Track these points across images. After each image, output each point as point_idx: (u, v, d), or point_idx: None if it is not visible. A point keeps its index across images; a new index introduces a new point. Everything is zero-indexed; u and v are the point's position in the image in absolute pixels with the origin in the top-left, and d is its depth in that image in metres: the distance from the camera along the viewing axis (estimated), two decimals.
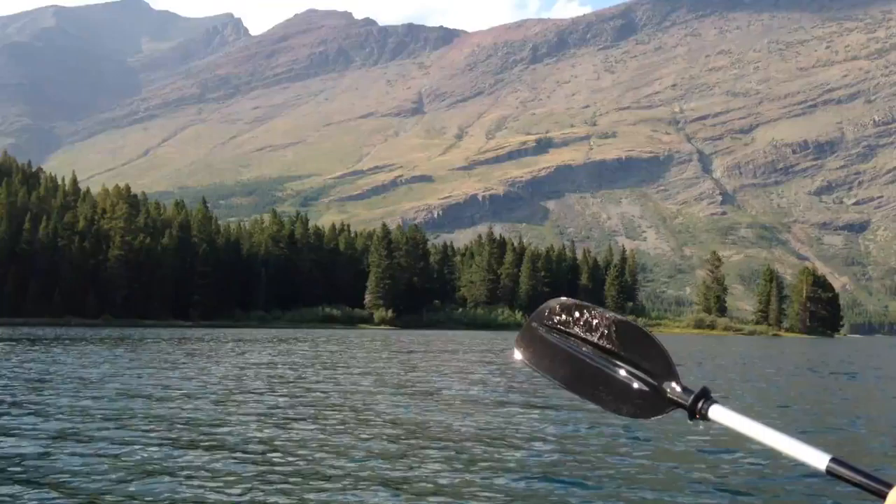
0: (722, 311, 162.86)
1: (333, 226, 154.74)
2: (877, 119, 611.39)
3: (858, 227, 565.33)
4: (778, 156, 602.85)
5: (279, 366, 25.94)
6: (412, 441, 10.50)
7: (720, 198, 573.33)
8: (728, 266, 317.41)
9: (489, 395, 17.17)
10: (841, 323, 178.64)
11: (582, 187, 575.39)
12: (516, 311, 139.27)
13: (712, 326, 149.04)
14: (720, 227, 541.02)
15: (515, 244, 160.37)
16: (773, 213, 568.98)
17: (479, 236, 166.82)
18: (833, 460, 1.45)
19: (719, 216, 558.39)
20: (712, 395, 1.50)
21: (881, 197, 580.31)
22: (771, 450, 1.43)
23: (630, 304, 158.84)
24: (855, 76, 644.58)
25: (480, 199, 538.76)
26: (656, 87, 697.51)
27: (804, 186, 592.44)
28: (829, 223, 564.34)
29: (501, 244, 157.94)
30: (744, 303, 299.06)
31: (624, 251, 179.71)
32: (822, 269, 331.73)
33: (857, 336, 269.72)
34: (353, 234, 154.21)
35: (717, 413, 1.60)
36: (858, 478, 1.43)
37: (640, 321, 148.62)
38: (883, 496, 1.33)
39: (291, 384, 18.47)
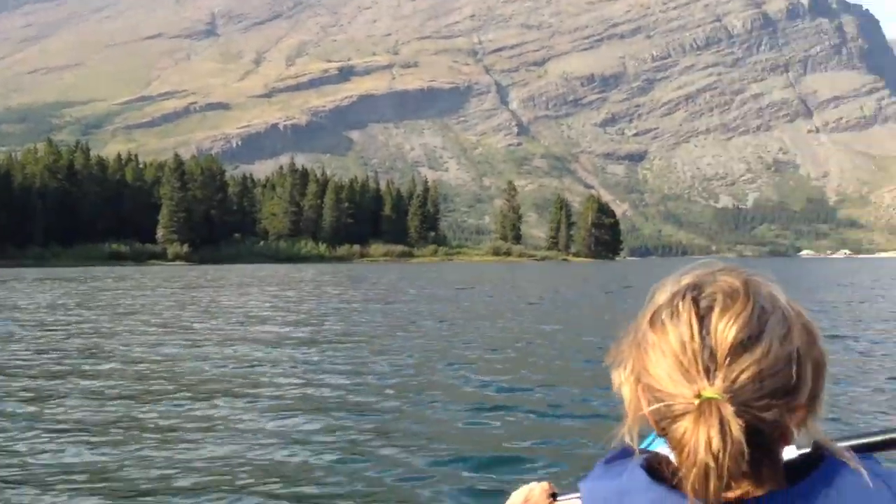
0: (518, 238, 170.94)
1: (119, 156, 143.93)
2: (655, 54, 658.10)
3: (637, 157, 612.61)
4: (568, 88, 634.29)
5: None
6: (145, 384, 10.03)
7: (516, 129, 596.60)
8: (523, 195, 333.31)
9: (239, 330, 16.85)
10: (621, 247, 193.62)
11: (385, 117, 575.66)
12: (320, 244, 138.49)
13: (509, 253, 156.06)
14: (516, 158, 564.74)
15: (318, 175, 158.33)
16: (564, 143, 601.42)
17: (281, 167, 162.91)
18: None
19: (516, 147, 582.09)
20: None
21: (657, 129, 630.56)
22: None
23: (432, 233, 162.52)
24: (637, 12, 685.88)
25: (282, 128, 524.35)
26: (456, 16, 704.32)
27: (591, 118, 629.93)
28: (612, 153, 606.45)
29: (304, 175, 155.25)
30: (537, 230, 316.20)
31: (426, 182, 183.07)
32: (606, 196, 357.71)
33: (635, 258, 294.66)
34: (142, 165, 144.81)
35: None
36: None
37: (442, 250, 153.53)
38: None
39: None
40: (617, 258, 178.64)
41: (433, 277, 54.96)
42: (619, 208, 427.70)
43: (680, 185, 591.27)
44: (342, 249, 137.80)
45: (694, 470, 0.84)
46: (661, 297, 0.94)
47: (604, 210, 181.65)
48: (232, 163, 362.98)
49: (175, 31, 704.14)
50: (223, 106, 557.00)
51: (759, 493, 0.87)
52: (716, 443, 0.82)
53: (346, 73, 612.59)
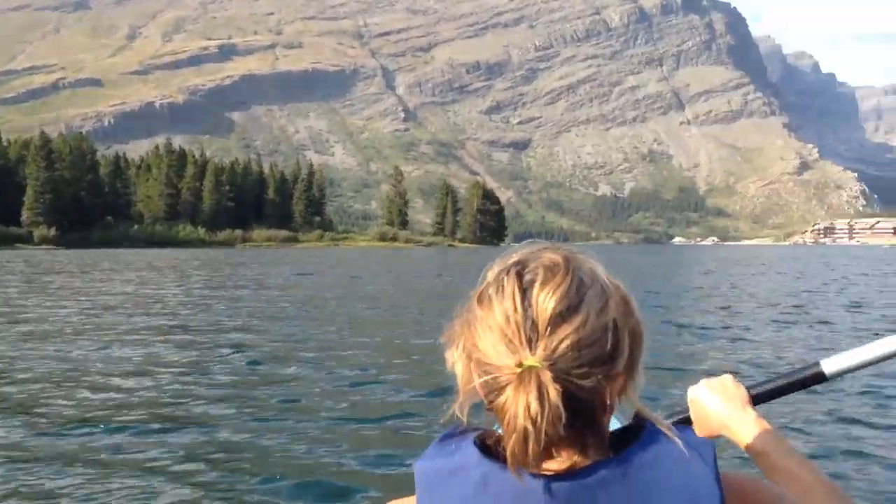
0: (404, 224, 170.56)
1: None
2: (537, 44, 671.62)
3: (521, 145, 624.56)
4: (454, 75, 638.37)
5: None
6: None
7: (403, 114, 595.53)
8: (410, 181, 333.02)
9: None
10: (505, 233, 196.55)
11: (269, 99, 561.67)
12: (199, 228, 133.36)
13: (395, 239, 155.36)
14: (403, 143, 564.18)
15: (197, 156, 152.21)
16: (450, 130, 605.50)
17: (157, 147, 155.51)
18: None
19: (402, 132, 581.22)
20: None
21: (540, 117, 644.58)
22: None
23: (318, 218, 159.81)
24: (520, 1, 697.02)
25: (158, 107, 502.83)
26: None
27: (476, 105, 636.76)
28: (497, 141, 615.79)
29: (182, 156, 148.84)
30: (424, 216, 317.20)
31: (311, 166, 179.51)
32: (491, 183, 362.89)
33: (518, 244, 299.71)
34: (6, 143, 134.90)
35: None
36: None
37: (327, 236, 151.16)
38: None
39: None
40: (502, 244, 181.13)
41: (293, 263, 53.33)
42: (504, 195, 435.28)
43: (562, 174, 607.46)
44: (223, 234, 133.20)
45: (514, 436, 0.86)
46: (490, 275, 0.97)
47: (489, 196, 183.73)
48: (104, 142, 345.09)
49: (42, 2, 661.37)
50: (95, 82, 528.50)
51: (585, 463, 0.90)
52: (534, 408, 0.85)
53: (226, 52, 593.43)
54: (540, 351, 0.87)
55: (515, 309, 0.90)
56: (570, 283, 0.91)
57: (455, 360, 0.97)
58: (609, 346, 0.90)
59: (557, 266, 0.93)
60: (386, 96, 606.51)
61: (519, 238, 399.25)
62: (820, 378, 1.38)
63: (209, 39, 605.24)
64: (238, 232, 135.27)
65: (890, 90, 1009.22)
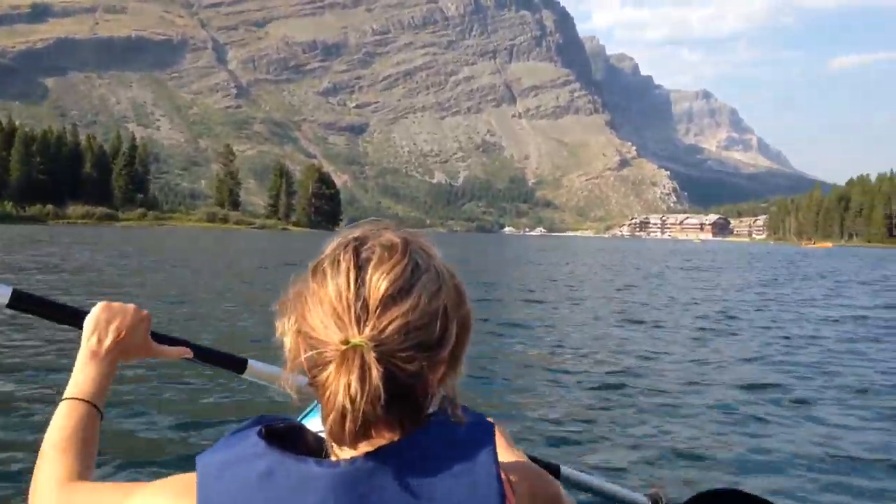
0: (235, 205, 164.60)
1: None
2: (375, 28, 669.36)
3: (358, 129, 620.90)
4: (290, 53, 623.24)
5: None
6: None
7: (235, 90, 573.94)
8: (242, 160, 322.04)
9: None
10: (340, 218, 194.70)
11: (88, 65, 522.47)
12: (6, 202, 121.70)
13: (225, 220, 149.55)
14: (235, 121, 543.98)
15: (4, 124, 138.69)
16: (286, 109, 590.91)
17: None
18: (15, 294, 1.41)
19: (234, 109, 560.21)
20: None
21: (378, 102, 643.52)
22: None
23: (140, 196, 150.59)
24: None
25: None
26: None
27: (313, 86, 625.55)
28: (334, 123, 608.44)
29: None
30: (257, 197, 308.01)
31: (134, 139, 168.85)
32: (327, 166, 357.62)
33: (363, 221, 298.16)
34: None
35: None
36: (47, 308, 1.44)
37: (151, 214, 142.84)
38: (77, 325, 1.33)
39: None
40: (336, 229, 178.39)
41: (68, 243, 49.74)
42: (340, 179, 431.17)
43: (398, 160, 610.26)
44: (33, 209, 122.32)
45: (333, 414, 0.86)
46: (329, 248, 0.96)
47: (325, 180, 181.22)
48: None
49: None
50: None
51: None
52: (354, 386, 0.84)
53: (40, 13, 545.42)
54: (367, 330, 0.86)
55: (348, 286, 0.89)
56: (405, 265, 0.91)
57: (285, 331, 0.96)
58: (437, 333, 0.91)
59: (395, 247, 0.92)
60: (217, 70, 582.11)
61: (354, 223, 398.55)
62: (553, 474, 1.55)
63: None
64: (50, 207, 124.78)
65: (700, 95, 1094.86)
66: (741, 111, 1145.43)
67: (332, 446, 0.91)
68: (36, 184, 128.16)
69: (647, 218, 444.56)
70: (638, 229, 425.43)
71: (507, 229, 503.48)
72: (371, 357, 0.85)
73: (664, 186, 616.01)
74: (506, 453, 1.22)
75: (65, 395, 1.21)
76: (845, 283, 31.97)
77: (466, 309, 0.98)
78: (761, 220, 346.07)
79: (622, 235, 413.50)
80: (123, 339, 1.27)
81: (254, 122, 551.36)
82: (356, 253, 0.91)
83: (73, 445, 1.14)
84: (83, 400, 1.20)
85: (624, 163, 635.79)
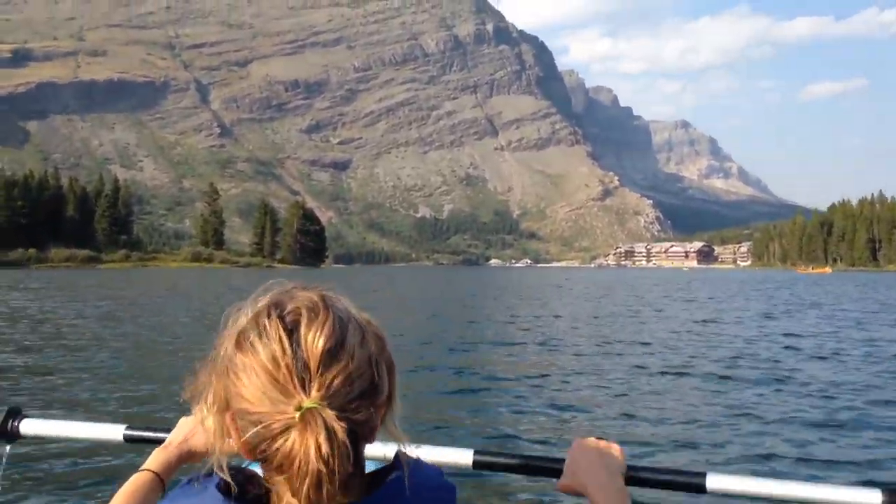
0: (220, 244, 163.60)
1: None
2: (357, 65, 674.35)
3: (342, 166, 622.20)
4: (272, 92, 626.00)
5: None
6: None
7: (218, 130, 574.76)
8: (226, 199, 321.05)
9: None
10: (326, 254, 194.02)
11: (69, 108, 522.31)
12: None
13: (210, 259, 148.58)
14: (219, 160, 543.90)
15: None
16: (269, 148, 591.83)
17: None
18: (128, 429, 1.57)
19: (218, 149, 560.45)
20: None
21: (361, 138, 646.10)
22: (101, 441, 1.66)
23: (124, 237, 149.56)
24: (338, 22, 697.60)
25: None
26: (150, 6, 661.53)
27: (296, 124, 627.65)
28: (318, 160, 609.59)
29: None
30: (242, 235, 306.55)
31: (117, 180, 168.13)
32: (312, 203, 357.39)
33: (341, 266, 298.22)
34: None
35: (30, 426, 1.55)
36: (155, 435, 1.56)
37: (135, 256, 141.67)
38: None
39: None
40: (322, 265, 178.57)
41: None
42: (325, 215, 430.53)
43: (382, 195, 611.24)
44: (14, 254, 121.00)
45: (307, 480, 0.85)
46: (243, 319, 0.93)
47: (309, 217, 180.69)
48: None
49: None
50: None
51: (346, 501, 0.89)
52: (325, 448, 0.84)
53: (21, 57, 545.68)
54: (314, 391, 0.86)
55: (284, 351, 0.88)
56: (333, 320, 0.91)
57: (205, 415, 0.94)
58: (374, 379, 0.92)
59: (317, 305, 0.92)
60: (200, 111, 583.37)
61: (340, 259, 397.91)
62: (700, 489, 1.35)
63: (1, 43, 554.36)
64: (32, 251, 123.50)
65: (679, 124, 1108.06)
66: (720, 140, 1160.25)
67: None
68: (17, 228, 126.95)
69: (632, 247, 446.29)
70: (623, 258, 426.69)
71: (492, 261, 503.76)
72: (330, 415, 0.85)
73: (648, 215, 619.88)
74: (604, 482, 1.23)
75: (142, 468, 1.33)
76: None
77: (388, 351, 0.98)
78: (745, 246, 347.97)
79: (608, 265, 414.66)
80: (191, 445, 1.39)
81: (237, 161, 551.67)
82: (281, 318, 0.91)
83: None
84: (152, 471, 1.32)
85: (607, 193, 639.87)
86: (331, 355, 0.88)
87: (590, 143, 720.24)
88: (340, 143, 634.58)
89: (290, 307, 0.92)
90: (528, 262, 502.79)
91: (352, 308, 0.97)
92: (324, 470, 0.84)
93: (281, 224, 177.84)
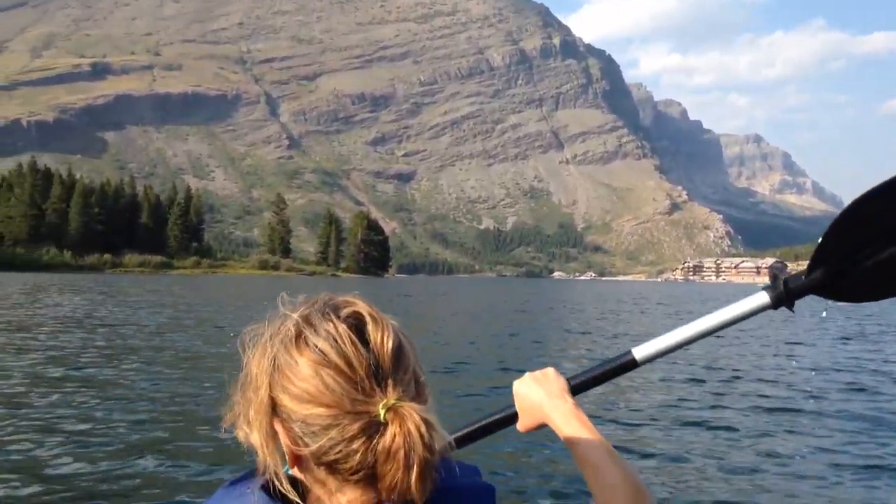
0: (286, 252, 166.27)
1: None
2: (422, 79, 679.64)
3: (406, 177, 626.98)
4: (339, 105, 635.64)
5: None
6: None
7: (287, 142, 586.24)
8: (293, 209, 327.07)
9: None
10: (390, 264, 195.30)
11: (145, 120, 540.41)
12: (65, 251, 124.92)
13: (276, 267, 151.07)
14: (287, 171, 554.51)
15: (64, 176, 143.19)
16: (336, 159, 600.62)
17: (20, 165, 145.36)
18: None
19: (286, 160, 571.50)
20: None
21: (425, 150, 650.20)
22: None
23: (195, 244, 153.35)
24: (405, 37, 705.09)
25: (25, 125, 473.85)
26: (223, 22, 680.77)
27: (362, 136, 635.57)
28: (383, 172, 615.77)
29: (47, 176, 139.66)
30: (307, 244, 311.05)
31: (189, 190, 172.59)
32: (376, 213, 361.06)
33: (403, 276, 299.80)
34: None
35: None
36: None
37: (205, 262, 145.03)
38: None
39: None
40: (386, 275, 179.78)
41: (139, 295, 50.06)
42: (389, 226, 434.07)
43: (446, 206, 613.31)
44: (91, 258, 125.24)
45: (415, 470, 0.85)
46: (289, 325, 0.93)
47: (373, 227, 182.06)
48: None
49: None
50: None
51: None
52: (427, 437, 0.86)
53: (100, 71, 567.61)
54: (390, 389, 0.87)
55: (357, 351, 0.88)
56: (389, 323, 0.93)
57: (249, 431, 0.94)
58: (419, 379, 0.94)
59: (369, 307, 0.94)
60: (269, 123, 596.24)
61: (403, 269, 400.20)
62: (632, 365, 1.45)
63: (82, 57, 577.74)
64: (107, 256, 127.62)
65: (751, 138, 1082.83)
66: (794, 154, 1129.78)
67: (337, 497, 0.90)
68: (94, 234, 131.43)
69: (700, 261, 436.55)
70: (691, 273, 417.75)
71: (556, 274, 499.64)
72: (415, 409, 0.87)
73: (717, 230, 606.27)
74: (558, 405, 1.28)
75: None
76: None
77: (415, 350, 0.98)
78: None
79: (675, 279, 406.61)
80: None
81: (304, 172, 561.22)
82: (345, 320, 0.91)
83: None
84: None
85: (675, 207, 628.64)
86: (397, 354, 0.90)
87: (657, 157, 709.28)
88: (405, 155, 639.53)
89: (348, 310, 0.93)
90: (592, 275, 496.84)
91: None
92: (430, 457, 0.86)
93: (346, 234, 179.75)
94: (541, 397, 1.28)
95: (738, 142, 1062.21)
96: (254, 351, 0.93)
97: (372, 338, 0.89)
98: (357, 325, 0.90)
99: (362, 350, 0.88)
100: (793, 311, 1.36)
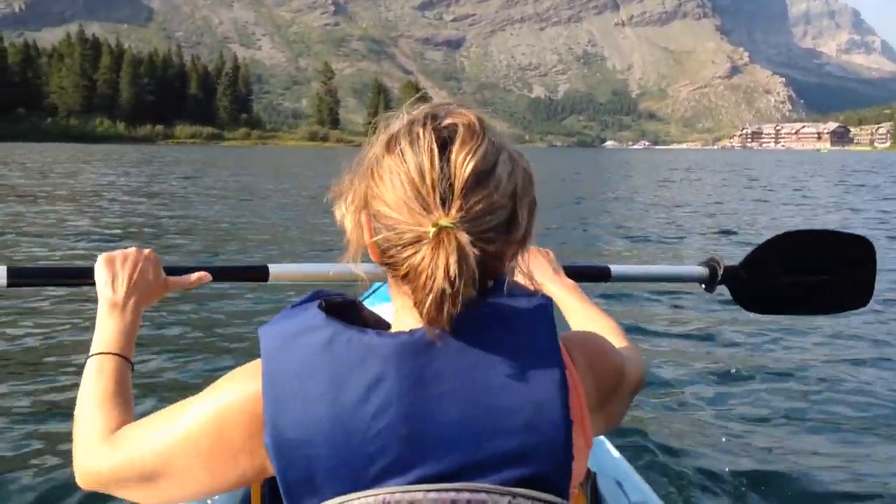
0: (335, 123, 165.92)
1: None
2: None
3: (455, 44, 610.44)
4: None
5: None
6: None
7: (333, 7, 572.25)
8: (341, 79, 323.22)
9: None
10: None
11: None
12: (118, 122, 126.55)
13: (325, 139, 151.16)
14: (333, 38, 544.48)
15: (113, 46, 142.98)
16: (383, 26, 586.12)
17: (69, 36, 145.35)
18: (10, 273, 1.42)
19: (333, 27, 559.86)
20: None
21: (475, 14, 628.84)
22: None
23: (244, 115, 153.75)
24: None
25: None
26: None
27: (409, 0, 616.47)
28: (431, 39, 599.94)
29: (96, 46, 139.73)
30: (356, 115, 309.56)
31: (236, 59, 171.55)
32: (424, 83, 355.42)
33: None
34: None
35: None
36: (49, 277, 1.48)
37: (255, 134, 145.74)
38: (88, 282, 1.35)
39: None
40: None
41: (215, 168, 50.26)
42: (438, 95, 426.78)
43: (496, 74, 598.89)
44: (143, 130, 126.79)
45: (430, 296, 0.85)
46: (396, 125, 0.92)
47: (422, 97, 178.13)
48: (15, 29, 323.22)
49: None
50: None
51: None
52: (453, 269, 0.83)
53: None
54: (453, 211, 0.84)
55: (433, 165, 0.86)
56: (487, 145, 0.88)
57: (345, 212, 0.95)
58: (512, 214, 0.90)
59: (474, 126, 0.89)
60: None
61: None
62: (606, 276, 1.67)
63: None
64: (159, 128, 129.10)
65: None
66: (863, 11, 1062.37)
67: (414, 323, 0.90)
68: (145, 104, 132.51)
69: (759, 128, 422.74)
70: (749, 140, 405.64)
71: (608, 143, 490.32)
72: (465, 239, 0.84)
73: (778, 94, 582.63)
74: (555, 277, 1.44)
75: (91, 352, 1.18)
76: None
77: (533, 192, 0.96)
78: (885, 127, 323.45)
79: (732, 147, 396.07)
80: (137, 281, 1.26)
81: (351, 40, 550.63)
82: (436, 130, 0.88)
83: (109, 399, 1.11)
84: (111, 353, 1.18)
85: (735, 70, 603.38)
86: (477, 179, 0.86)
87: (718, 17, 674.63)
88: (454, 20, 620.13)
89: (447, 121, 0.89)
90: (646, 143, 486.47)
91: (505, 138, 0.95)
92: (448, 290, 0.84)
93: (394, 104, 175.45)
94: (539, 271, 1.37)
95: None
96: (372, 140, 0.94)
97: (454, 155, 0.86)
98: (447, 138, 0.87)
99: (437, 164, 0.86)
100: (710, 293, 1.75)
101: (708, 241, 12.63)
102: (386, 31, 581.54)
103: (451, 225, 0.83)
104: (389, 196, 0.87)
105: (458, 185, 0.85)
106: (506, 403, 0.87)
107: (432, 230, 0.84)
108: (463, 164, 0.86)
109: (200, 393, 0.97)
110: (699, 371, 5.29)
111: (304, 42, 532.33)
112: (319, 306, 0.93)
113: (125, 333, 1.22)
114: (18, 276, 1.40)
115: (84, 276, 1.35)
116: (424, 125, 0.88)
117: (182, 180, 26.85)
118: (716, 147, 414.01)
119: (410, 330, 0.89)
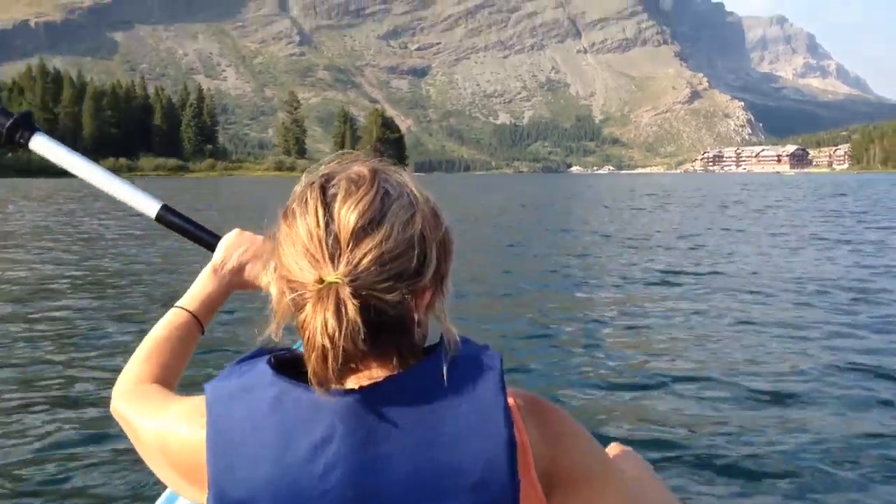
0: (302, 152, 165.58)
1: None
2: None
3: (420, 72, 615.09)
4: None
5: None
6: None
7: (298, 38, 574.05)
8: (307, 108, 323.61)
9: None
10: (406, 162, 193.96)
11: (153, 17, 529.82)
12: None
13: (292, 168, 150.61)
14: (299, 68, 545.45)
15: (74, 79, 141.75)
16: (348, 55, 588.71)
17: (29, 68, 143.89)
18: (164, 208, 1.49)
19: (298, 57, 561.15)
20: None
21: (439, 43, 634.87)
22: (101, 192, 1.55)
23: (210, 146, 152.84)
24: None
25: (33, 25, 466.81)
26: None
27: (374, 30, 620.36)
28: (396, 67, 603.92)
29: (57, 79, 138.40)
30: (323, 144, 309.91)
31: (201, 90, 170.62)
32: (390, 111, 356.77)
33: (421, 174, 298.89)
34: None
35: (39, 143, 1.51)
36: (188, 227, 1.48)
37: (220, 165, 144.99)
38: (211, 248, 1.38)
39: None
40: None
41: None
42: (404, 123, 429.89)
43: (461, 102, 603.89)
44: (106, 163, 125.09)
45: (314, 353, 0.84)
46: (298, 189, 0.92)
47: (388, 125, 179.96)
48: None
49: None
50: None
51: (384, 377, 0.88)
52: (331, 324, 0.82)
53: None
54: (342, 266, 0.83)
55: (318, 224, 0.85)
56: (373, 195, 0.87)
57: (269, 280, 0.94)
58: (415, 260, 0.87)
59: (363, 178, 0.88)
60: (279, 18, 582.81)
61: (420, 167, 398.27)
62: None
63: None
64: (123, 160, 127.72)
65: (775, 20, 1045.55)
66: (818, 36, 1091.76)
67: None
68: (108, 137, 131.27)
69: (720, 151, 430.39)
70: (711, 164, 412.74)
71: (574, 168, 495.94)
72: (346, 292, 0.82)
73: (738, 118, 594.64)
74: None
75: (176, 304, 1.27)
76: None
77: (445, 231, 0.93)
78: (843, 149, 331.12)
79: (694, 171, 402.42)
80: (245, 264, 1.30)
81: (317, 69, 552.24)
82: (322, 190, 0.88)
83: (163, 352, 1.18)
84: (189, 311, 1.25)
85: (695, 95, 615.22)
86: (363, 231, 0.85)
87: (678, 43, 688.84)
88: (419, 48, 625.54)
89: (335, 179, 0.89)
90: (611, 168, 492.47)
91: (408, 184, 0.92)
92: (328, 346, 0.83)
93: (360, 132, 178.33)
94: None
95: (760, 24, 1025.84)
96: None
97: (336, 210, 0.85)
98: (333, 195, 0.87)
99: (321, 223, 0.85)
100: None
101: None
102: (351, 60, 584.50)
103: (338, 280, 0.83)
104: (287, 260, 0.88)
105: (343, 239, 0.84)
106: (455, 461, 0.86)
107: (315, 287, 0.83)
108: (346, 217, 0.85)
109: (173, 403, 1.00)
110: (695, 371, 5.25)
111: (269, 72, 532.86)
112: (268, 362, 0.92)
113: (209, 300, 1.28)
114: (166, 215, 1.48)
115: (212, 242, 1.41)
116: (312, 187, 0.89)
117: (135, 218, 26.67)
118: (678, 171, 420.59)
119: (359, 387, 0.87)
